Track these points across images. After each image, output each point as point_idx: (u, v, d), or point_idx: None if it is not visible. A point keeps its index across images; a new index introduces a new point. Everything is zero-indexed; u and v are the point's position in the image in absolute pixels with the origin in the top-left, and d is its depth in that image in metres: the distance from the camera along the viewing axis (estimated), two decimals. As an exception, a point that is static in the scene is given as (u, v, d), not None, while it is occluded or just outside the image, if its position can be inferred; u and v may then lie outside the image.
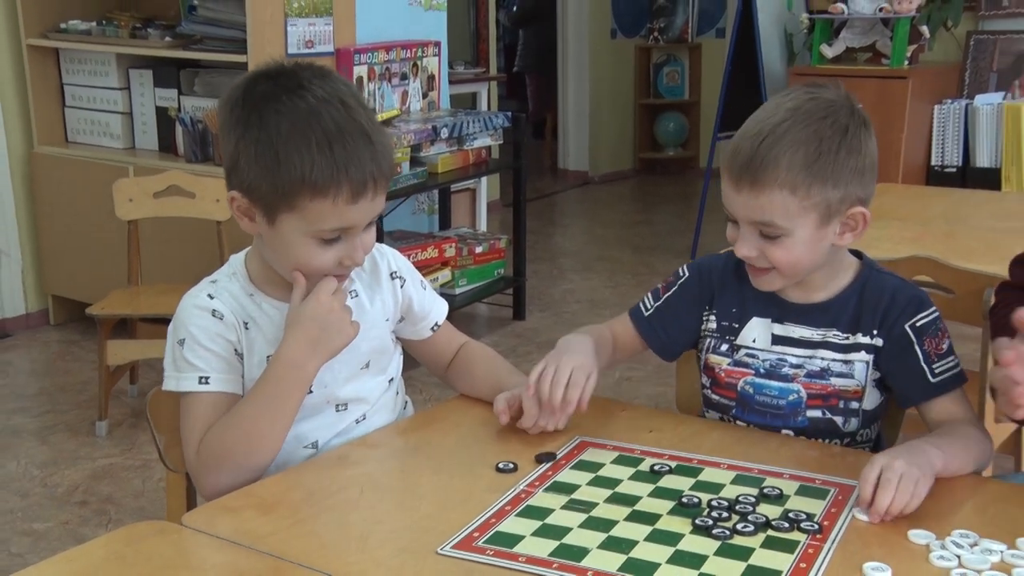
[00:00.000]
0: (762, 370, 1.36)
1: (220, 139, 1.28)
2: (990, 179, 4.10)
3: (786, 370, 1.35)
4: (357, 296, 1.36)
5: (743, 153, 1.26)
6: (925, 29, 4.17)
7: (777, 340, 1.35)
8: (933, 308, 1.33)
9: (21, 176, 3.75)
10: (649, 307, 1.43)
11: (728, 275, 1.40)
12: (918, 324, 1.31)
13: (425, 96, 3.91)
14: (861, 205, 1.30)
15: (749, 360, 1.37)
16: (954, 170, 4.22)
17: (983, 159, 4.15)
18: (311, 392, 1.30)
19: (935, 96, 4.26)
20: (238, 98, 1.23)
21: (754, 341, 1.37)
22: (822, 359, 1.34)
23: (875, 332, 1.32)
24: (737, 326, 1.38)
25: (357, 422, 1.37)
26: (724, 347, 1.39)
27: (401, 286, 1.41)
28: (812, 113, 1.26)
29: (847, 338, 1.33)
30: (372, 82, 3.65)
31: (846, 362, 1.33)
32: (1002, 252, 1.56)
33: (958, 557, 1.02)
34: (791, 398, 1.34)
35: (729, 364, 1.38)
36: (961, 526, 1.08)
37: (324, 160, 1.18)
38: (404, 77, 3.80)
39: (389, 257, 1.41)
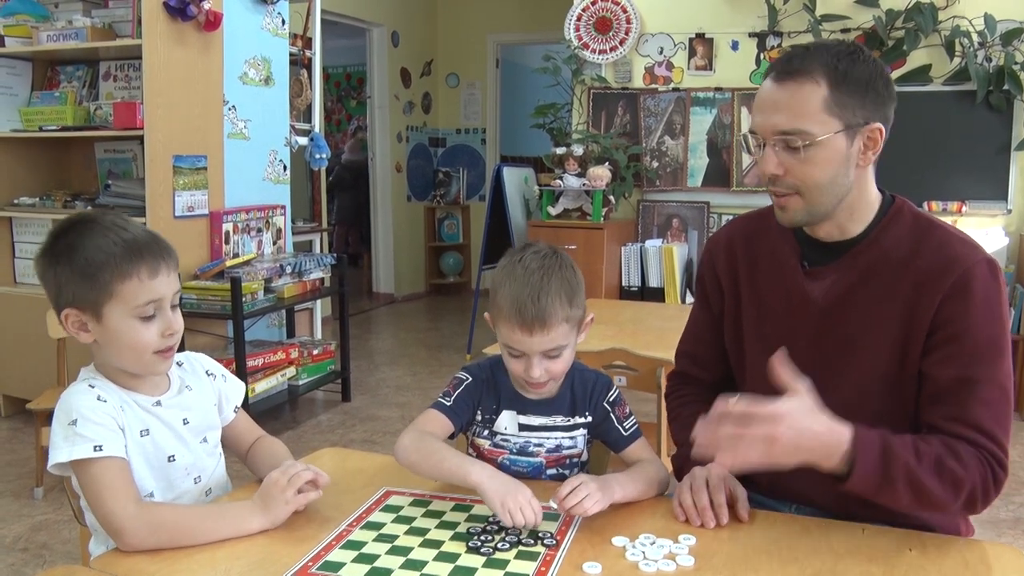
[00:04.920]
0: (514, 450, 1.32)
1: (43, 286, 1.17)
2: (658, 295, 4.34)
3: (532, 449, 1.32)
4: (191, 390, 1.27)
5: (529, 310, 1.19)
6: (612, 198, 4.42)
7: (523, 428, 1.32)
8: (616, 387, 1.35)
9: (-17, 307, 3.55)
10: (449, 401, 1.32)
11: (488, 380, 1.35)
12: (611, 400, 1.33)
13: (275, 243, 3.81)
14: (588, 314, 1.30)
15: (504, 443, 1.33)
16: (636, 289, 4.41)
17: (653, 281, 4.38)
18: (171, 461, 1.21)
19: (621, 240, 4.47)
20: (45, 249, 1.16)
21: (506, 429, 1.32)
22: (555, 439, 1.32)
23: (587, 412, 1.33)
24: (494, 418, 1.33)
25: (207, 494, 1.27)
26: (485, 432, 1.34)
27: (213, 380, 1.32)
28: (551, 267, 1.24)
29: (568, 420, 1.32)
30: (236, 234, 3.54)
31: (571, 437, 1.33)
32: (667, 343, 1.62)
33: (643, 552, 1.05)
34: (536, 467, 1.33)
35: (490, 445, 1.34)
36: (644, 531, 1.11)
37: (123, 252, 1.13)
38: (259, 230, 3.70)
39: (202, 360, 1.33)
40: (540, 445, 1.32)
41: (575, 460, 1.35)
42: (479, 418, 1.35)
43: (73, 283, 1.14)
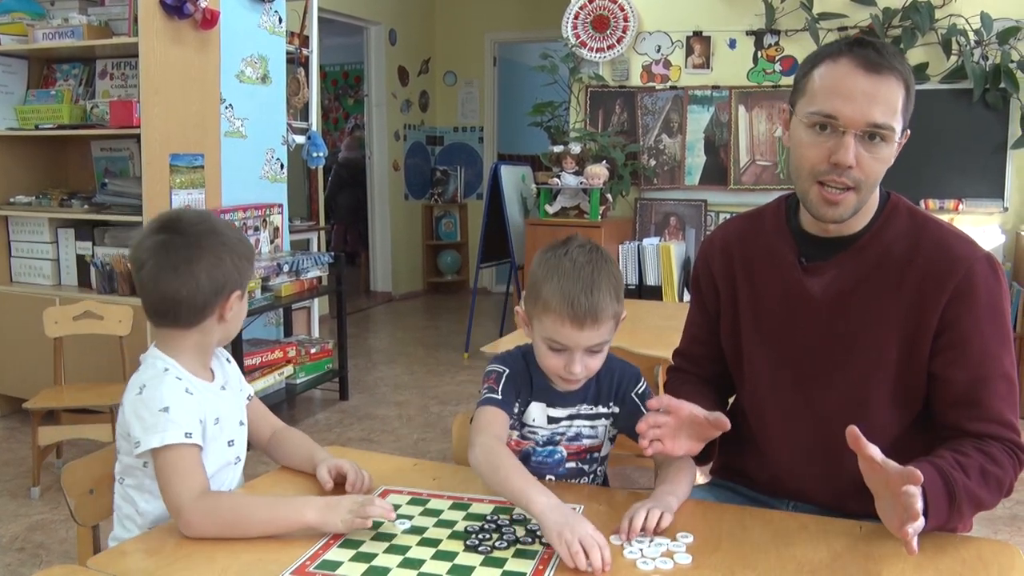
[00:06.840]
0: (541, 441, 1.31)
1: (215, 271, 1.20)
2: (656, 293, 4.34)
3: (556, 439, 1.32)
4: (226, 377, 1.33)
5: (582, 304, 1.18)
6: (609, 196, 4.42)
7: (551, 420, 1.31)
8: (644, 379, 1.34)
9: (-21, 306, 3.55)
10: (499, 394, 1.27)
11: (523, 372, 1.31)
12: (639, 391, 1.32)
13: (272, 242, 3.81)
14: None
15: (531, 435, 1.32)
16: (634, 287, 4.38)
17: (651, 280, 4.37)
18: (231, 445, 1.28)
19: (619, 239, 4.47)
20: (215, 239, 1.22)
21: (534, 421, 1.31)
22: (577, 427, 1.32)
23: (611, 403, 1.32)
24: (523, 409, 1.31)
25: (236, 460, 1.31)
26: (515, 423, 1.31)
27: (232, 366, 1.37)
28: (599, 261, 1.23)
29: (592, 409, 1.32)
30: (232, 232, 3.55)
31: (592, 427, 1.32)
32: (665, 341, 1.63)
33: (641, 550, 1.05)
34: (556, 457, 1.32)
35: (517, 436, 1.32)
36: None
37: (247, 267, 1.25)
38: (257, 229, 3.70)
39: (222, 349, 1.38)
40: (562, 434, 1.32)
41: (596, 455, 1.34)
42: None
43: (244, 267, 1.24)
